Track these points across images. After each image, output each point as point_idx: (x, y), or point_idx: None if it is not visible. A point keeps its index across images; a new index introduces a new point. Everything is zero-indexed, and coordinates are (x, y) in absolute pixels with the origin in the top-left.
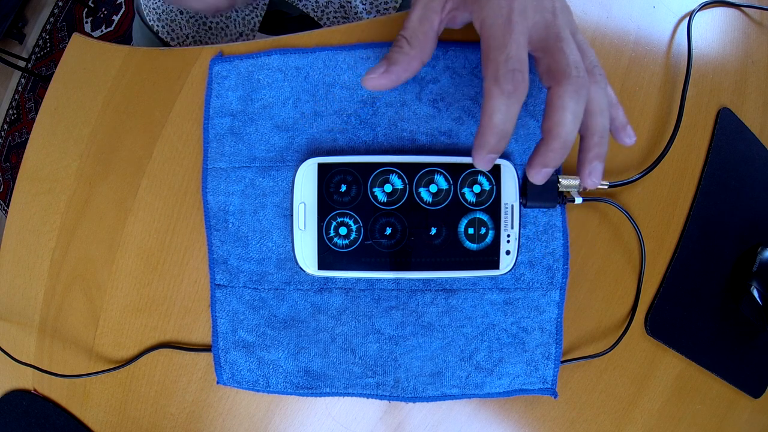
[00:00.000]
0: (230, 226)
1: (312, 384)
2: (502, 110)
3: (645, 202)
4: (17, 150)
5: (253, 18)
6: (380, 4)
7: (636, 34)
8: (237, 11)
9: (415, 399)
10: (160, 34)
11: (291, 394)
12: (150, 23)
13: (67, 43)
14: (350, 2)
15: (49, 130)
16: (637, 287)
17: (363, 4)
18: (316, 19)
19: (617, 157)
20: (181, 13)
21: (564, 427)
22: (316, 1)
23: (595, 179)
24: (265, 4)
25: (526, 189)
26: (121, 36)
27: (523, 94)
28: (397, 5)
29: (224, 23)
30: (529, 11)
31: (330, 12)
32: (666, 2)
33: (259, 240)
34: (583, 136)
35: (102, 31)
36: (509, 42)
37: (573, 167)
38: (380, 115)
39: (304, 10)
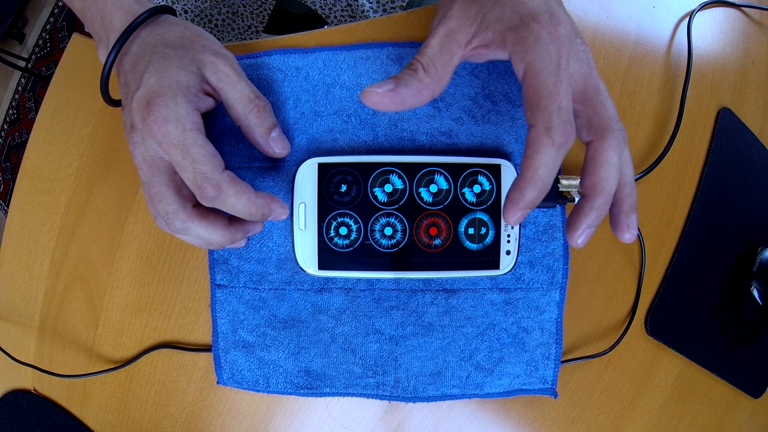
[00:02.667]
0: None
1: (312, 384)
2: (550, 163)
3: (645, 202)
4: (17, 150)
5: (259, 14)
6: (387, 2)
7: (636, 34)
8: (244, 6)
9: (415, 399)
10: None
11: (291, 394)
12: None
13: (67, 43)
14: (357, 0)
15: (49, 130)
16: (637, 287)
17: (370, 3)
18: (324, 17)
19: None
20: (186, 11)
21: (564, 427)
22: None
23: (634, 231)
24: (272, 2)
25: None
26: None
27: (569, 148)
28: (404, 4)
29: (230, 20)
30: (571, 60)
31: (337, 10)
32: (666, 2)
33: (259, 240)
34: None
35: None
36: (560, 91)
37: (573, 167)
38: (380, 115)
39: (313, 8)
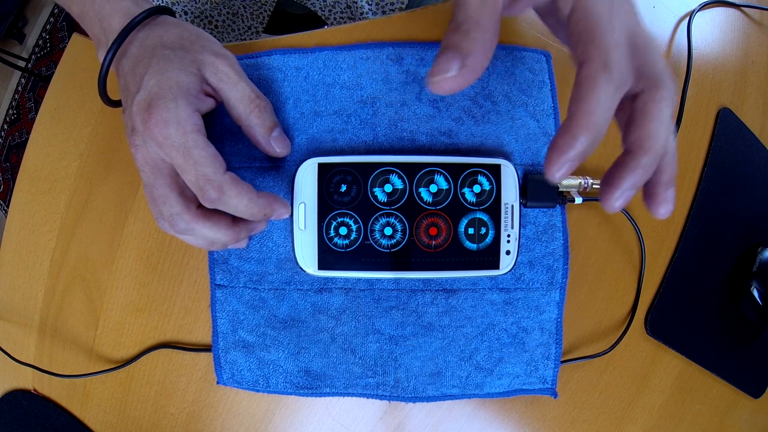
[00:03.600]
0: None
1: (312, 384)
2: (608, 105)
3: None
4: (17, 150)
5: (259, 15)
6: (386, 4)
7: None
8: (244, 7)
9: (415, 399)
10: None
11: (291, 394)
12: None
13: (67, 43)
14: (356, 2)
15: (49, 130)
16: (637, 287)
17: (369, 5)
18: (323, 18)
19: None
20: (186, 12)
21: (564, 427)
22: (324, 0)
23: (671, 205)
24: (272, 3)
25: (526, 189)
26: None
27: (624, 92)
28: (403, 6)
29: (230, 20)
30: (623, 4)
31: (337, 12)
32: (666, 2)
33: (259, 240)
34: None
35: None
36: (617, 25)
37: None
38: (380, 115)
39: (312, 9)
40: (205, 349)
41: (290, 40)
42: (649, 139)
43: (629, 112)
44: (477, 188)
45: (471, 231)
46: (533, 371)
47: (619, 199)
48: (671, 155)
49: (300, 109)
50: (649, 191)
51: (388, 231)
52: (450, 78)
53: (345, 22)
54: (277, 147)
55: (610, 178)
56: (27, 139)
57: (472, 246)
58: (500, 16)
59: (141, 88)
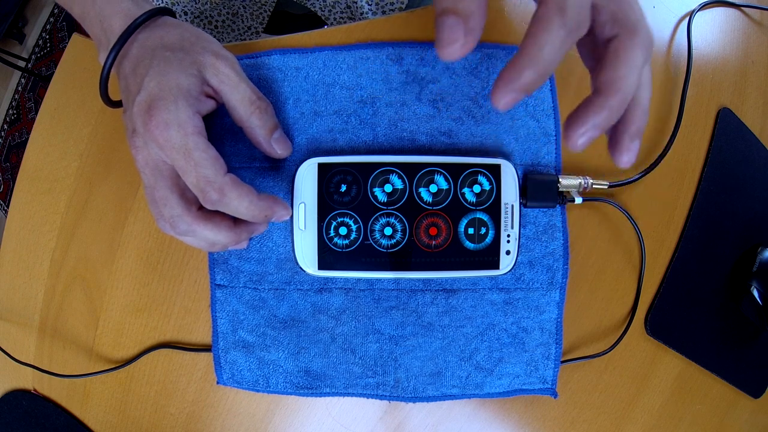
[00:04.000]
0: None
1: (312, 384)
2: (556, 46)
3: (645, 202)
4: (17, 150)
5: (259, 15)
6: (386, 4)
7: None
8: (244, 7)
9: (415, 399)
10: None
11: (291, 394)
12: None
13: (67, 43)
14: (356, 2)
15: (49, 130)
16: (637, 287)
17: (369, 5)
18: (323, 18)
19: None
20: (185, 13)
21: (564, 427)
22: (324, 1)
23: (633, 156)
24: (272, 3)
25: (526, 189)
26: None
27: (578, 37)
28: (403, 6)
29: (230, 21)
30: None
31: (337, 12)
32: (666, 2)
33: (259, 240)
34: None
35: None
36: None
37: (574, 167)
38: (380, 115)
39: (312, 9)
40: (205, 349)
41: (290, 40)
42: (618, 81)
43: (602, 55)
44: (477, 188)
45: (471, 231)
46: (533, 371)
47: (582, 136)
48: (642, 109)
49: (300, 109)
50: (614, 138)
51: (388, 231)
52: (457, 50)
53: (345, 22)
54: (278, 148)
55: (575, 115)
56: (27, 139)
57: (472, 246)
58: None
59: (142, 89)
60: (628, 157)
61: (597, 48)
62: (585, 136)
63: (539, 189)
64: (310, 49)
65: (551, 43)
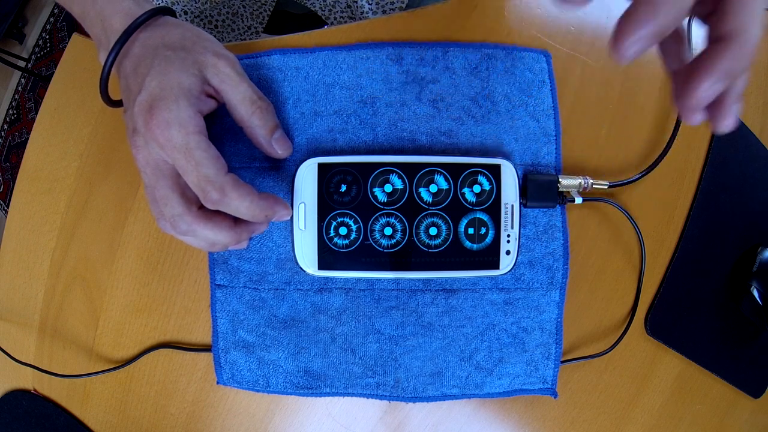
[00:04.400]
0: None
1: (312, 384)
2: None
3: (645, 202)
4: (17, 150)
5: (259, 15)
6: (386, 4)
7: None
8: (244, 7)
9: (415, 399)
10: None
11: (291, 394)
12: None
13: (67, 43)
14: (356, 2)
15: (49, 130)
16: (637, 287)
17: (369, 4)
18: (323, 18)
19: (617, 157)
20: (185, 12)
21: (564, 427)
22: (324, 0)
23: (734, 120)
24: (272, 3)
25: (526, 189)
26: None
27: None
28: (403, 5)
29: (230, 20)
30: None
31: (337, 11)
32: None
33: (259, 240)
34: None
35: None
36: None
37: (574, 167)
38: (380, 115)
39: (312, 9)
40: (205, 349)
41: (290, 40)
42: (745, 31)
43: (717, 5)
44: (477, 188)
45: (471, 231)
46: (533, 371)
47: (708, 91)
48: (745, 74)
49: (300, 109)
50: (718, 100)
51: (388, 231)
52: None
53: (345, 22)
54: (278, 148)
55: (695, 71)
56: (27, 139)
57: (472, 246)
58: None
59: (143, 89)
60: (732, 120)
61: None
62: (711, 91)
63: (539, 189)
64: (310, 49)
65: None
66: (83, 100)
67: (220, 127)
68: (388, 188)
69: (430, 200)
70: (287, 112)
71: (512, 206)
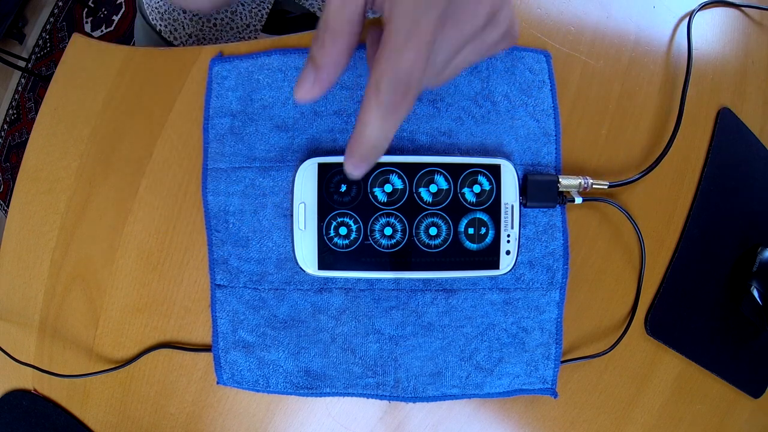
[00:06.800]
0: (230, 226)
1: (312, 384)
2: (377, 126)
3: (645, 202)
4: (17, 150)
5: (258, 13)
6: None
7: (636, 34)
8: (243, 5)
9: (415, 399)
10: (162, 34)
11: (291, 394)
12: (153, 23)
13: (67, 43)
14: None
15: (49, 130)
16: (637, 287)
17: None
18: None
19: (617, 157)
20: (184, 12)
21: (564, 427)
22: (323, 0)
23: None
24: (270, 2)
25: (526, 189)
26: (121, 36)
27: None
28: None
29: (229, 19)
30: None
31: None
32: (666, 2)
33: (259, 240)
34: None
35: (102, 31)
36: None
37: (574, 167)
38: None
39: (311, 9)
40: (205, 349)
41: (290, 40)
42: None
43: None
44: (477, 188)
45: (471, 231)
46: (533, 371)
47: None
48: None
49: (300, 109)
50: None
51: (388, 231)
52: (307, 88)
53: None
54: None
55: None
56: (27, 139)
57: (472, 246)
58: (362, 20)
59: None
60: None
61: None
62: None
63: (539, 189)
64: (310, 49)
65: (372, 123)
66: (83, 100)
67: (221, 127)
68: (388, 188)
69: (430, 200)
70: (287, 112)
71: (512, 206)
